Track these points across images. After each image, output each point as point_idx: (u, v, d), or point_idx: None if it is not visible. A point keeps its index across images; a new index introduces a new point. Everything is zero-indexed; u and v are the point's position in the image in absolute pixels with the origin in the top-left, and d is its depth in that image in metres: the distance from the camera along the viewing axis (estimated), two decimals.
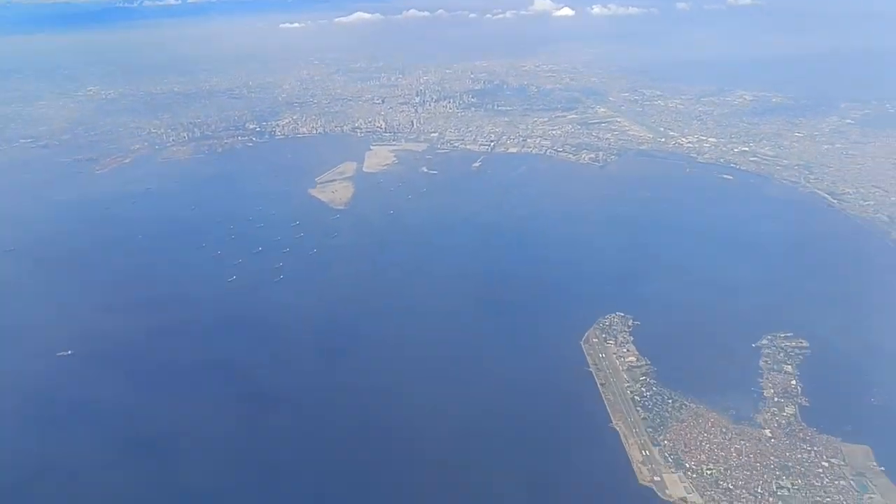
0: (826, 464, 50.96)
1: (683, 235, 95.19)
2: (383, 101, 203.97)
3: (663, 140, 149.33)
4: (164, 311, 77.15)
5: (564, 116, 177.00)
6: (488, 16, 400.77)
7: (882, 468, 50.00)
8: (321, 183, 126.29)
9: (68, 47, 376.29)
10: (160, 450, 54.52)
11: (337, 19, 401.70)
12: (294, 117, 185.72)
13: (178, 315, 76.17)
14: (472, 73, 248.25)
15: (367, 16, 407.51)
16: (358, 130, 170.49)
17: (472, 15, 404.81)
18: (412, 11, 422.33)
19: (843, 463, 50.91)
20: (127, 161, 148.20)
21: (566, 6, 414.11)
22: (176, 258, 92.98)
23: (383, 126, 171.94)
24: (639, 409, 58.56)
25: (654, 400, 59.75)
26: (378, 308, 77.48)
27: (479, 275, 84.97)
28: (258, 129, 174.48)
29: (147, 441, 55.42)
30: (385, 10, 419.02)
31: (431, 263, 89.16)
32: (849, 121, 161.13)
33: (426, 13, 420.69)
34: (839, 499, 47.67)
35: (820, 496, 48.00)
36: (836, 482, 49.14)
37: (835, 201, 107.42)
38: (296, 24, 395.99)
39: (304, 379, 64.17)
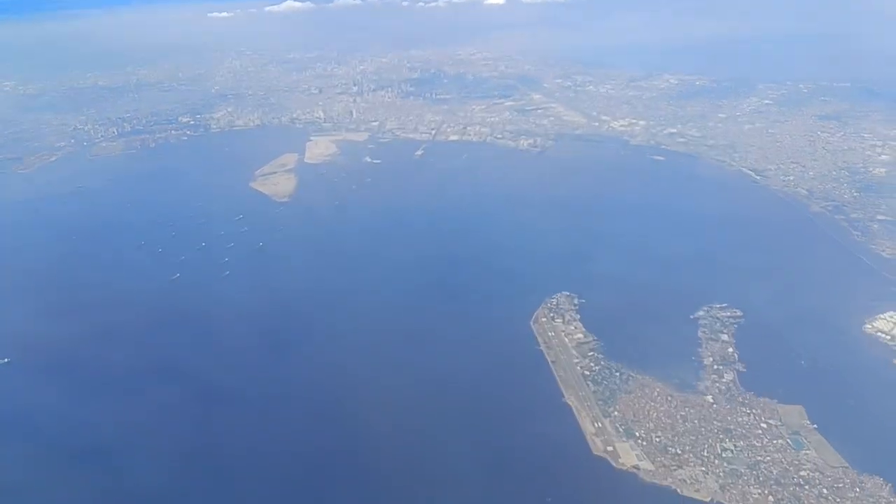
0: (764, 425, 55.21)
1: (621, 215, 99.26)
2: (320, 92, 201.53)
3: (597, 125, 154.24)
4: (105, 312, 74.86)
5: (502, 104, 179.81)
6: (420, 4, 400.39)
7: (814, 426, 54.65)
8: (262, 176, 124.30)
9: None
10: (104, 459, 53.11)
11: (267, 8, 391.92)
12: (229, 110, 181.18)
13: (120, 316, 74.07)
14: (408, 63, 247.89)
15: (298, 4, 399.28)
16: (297, 122, 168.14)
17: (404, 3, 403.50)
18: (344, 0, 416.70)
19: (779, 423, 55.29)
20: (53, 159, 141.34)
21: None
22: (114, 258, 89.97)
23: (322, 116, 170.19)
24: (589, 383, 61.43)
25: (603, 374, 62.78)
26: (327, 298, 77.75)
27: (428, 261, 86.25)
28: (192, 122, 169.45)
29: (90, 450, 54.08)
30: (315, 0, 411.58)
31: (379, 252, 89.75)
32: (767, 101, 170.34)
33: (358, 2, 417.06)
34: (778, 457, 51.87)
35: (760, 455, 52.08)
36: (775, 441, 53.40)
37: (758, 178, 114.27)
38: (224, 14, 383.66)
39: (254, 373, 63.92)
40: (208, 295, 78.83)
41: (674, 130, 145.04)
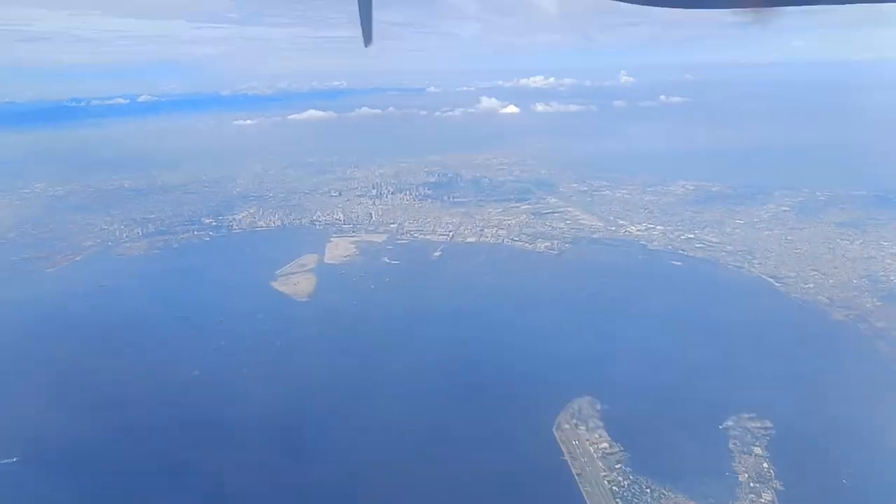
0: None
1: (642, 319, 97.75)
2: (340, 194, 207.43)
3: (614, 229, 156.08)
4: (121, 409, 73.21)
5: (518, 207, 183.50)
6: (438, 113, 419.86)
7: None
8: (283, 275, 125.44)
9: (14, 145, 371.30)
10: None
11: (290, 116, 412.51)
12: (251, 211, 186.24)
13: (137, 414, 72.34)
14: (425, 167, 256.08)
15: (319, 113, 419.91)
16: (317, 223, 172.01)
17: (422, 112, 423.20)
18: (364, 109, 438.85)
19: None
20: (78, 258, 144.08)
21: (511, 104, 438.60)
22: (134, 354, 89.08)
23: (342, 218, 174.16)
24: (618, 500, 57.92)
25: (633, 490, 59.18)
26: (344, 399, 75.87)
27: (446, 363, 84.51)
28: (214, 223, 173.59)
29: None
30: (338, 108, 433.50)
31: (397, 352, 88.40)
32: (784, 208, 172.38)
33: (378, 110, 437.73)
34: None
35: None
36: None
37: (778, 285, 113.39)
38: (248, 121, 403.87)
39: (270, 475, 61.31)
40: (226, 393, 77.28)
41: (691, 236, 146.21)
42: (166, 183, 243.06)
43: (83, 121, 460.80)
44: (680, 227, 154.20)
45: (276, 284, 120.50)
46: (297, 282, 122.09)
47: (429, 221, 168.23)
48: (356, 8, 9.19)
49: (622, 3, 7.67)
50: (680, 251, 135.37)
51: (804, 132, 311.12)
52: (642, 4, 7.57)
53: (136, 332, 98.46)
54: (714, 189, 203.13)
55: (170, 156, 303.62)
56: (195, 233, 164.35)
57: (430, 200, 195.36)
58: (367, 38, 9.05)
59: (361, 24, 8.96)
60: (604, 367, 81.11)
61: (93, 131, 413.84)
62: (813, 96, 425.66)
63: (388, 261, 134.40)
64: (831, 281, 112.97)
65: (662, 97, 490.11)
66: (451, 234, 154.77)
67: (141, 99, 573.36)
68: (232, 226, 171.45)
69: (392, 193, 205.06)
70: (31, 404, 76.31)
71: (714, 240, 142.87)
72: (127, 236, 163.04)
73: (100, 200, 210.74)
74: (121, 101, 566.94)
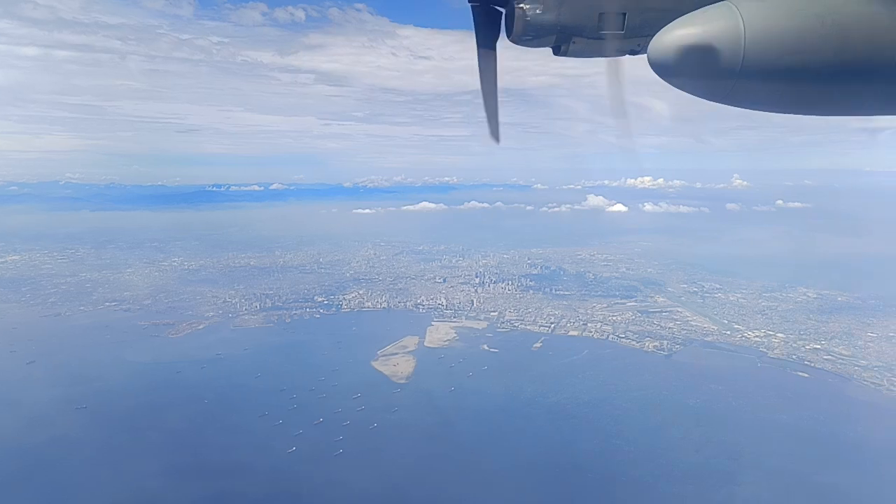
0: None
1: (764, 434, 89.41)
2: (444, 281, 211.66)
3: (728, 333, 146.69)
4: (221, 478, 75.66)
5: (624, 304, 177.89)
6: (544, 209, 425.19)
7: None
8: (383, 356, 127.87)
9: (160, 223, 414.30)
10: None
11: (405, 207, 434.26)
12: (360, 292, 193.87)
13: (234, 485, 74.43)
14: (528, 259, 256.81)
15: (431, 205, 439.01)
16: (420, 306, 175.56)
17: (528, 207, 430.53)
18: (473, 203, 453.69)
19: None
20: (201, 327, 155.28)
21: (619, 203, 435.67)
22: (238, 424, 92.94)
23: (445, 303, 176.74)
24: None
25: None
26: (437, 488, 73.99)
27: (546, 464, 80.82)
28: (326, 301, 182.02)
29: None
30: (448, 201, 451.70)
31: (495, 446, 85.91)
32: None
33: (486, 204, 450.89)
34: None
35: None
36: None
37: None
38: (367, 211, 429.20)
39: None
40: (320, 472, 78.08)
41: (818, 346, 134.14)
42: (287, 263, 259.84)
43: (221, 204, 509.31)
44: (804, 337, 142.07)
45: (376, 364, 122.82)
46: (396, 363, 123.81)
47: (530, 312, 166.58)
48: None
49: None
50: (806, 362, 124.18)
51: None
52: (764, 111, 7.48)
53: (243, 402, 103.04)
54: (840, 299, 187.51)
55: (293, 239, 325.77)
56: (307, 310, 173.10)
57: (531, 291, 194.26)
58: (495, 134, 9.37)
59: (488, 121, 9.32)
60: (725, 485, 74.22)
61: (229, 214, 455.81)
62: None
63: (487, 348, 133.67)
64: None
65: (780, 202, 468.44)
66: (552, 325, 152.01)
67: (273, 187, 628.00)
68: (341, 305, 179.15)
69: (494, 283, 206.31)
70: (138, 465, 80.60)
71: (845, 352, 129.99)
72: (246, 309, 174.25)
73: (227, 276, 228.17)
74: (256, 187, 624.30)
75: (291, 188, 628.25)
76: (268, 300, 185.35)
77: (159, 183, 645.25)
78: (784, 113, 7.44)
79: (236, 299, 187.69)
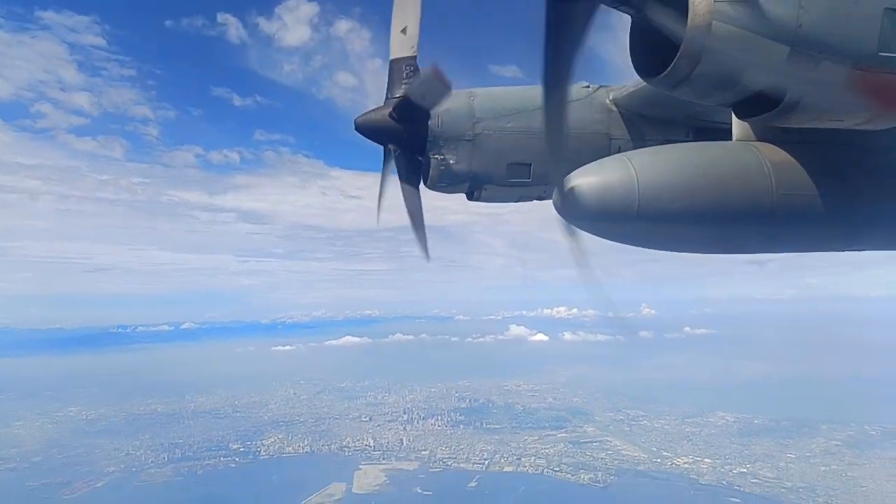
0: None
1: None
2: (371, 419, 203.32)
3: (658, 460, 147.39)
4: None
5: (555, 435, 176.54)
6: (469, 339, 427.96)
7: None
8: None
9: (55, 370, 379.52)
10: None
11: (327, 342, 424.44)
12: (280, 436, 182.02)
13: None
14: (456, 392, 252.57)
15: (355, 339, 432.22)
16: (346, 449, 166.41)
17: (453, 339, 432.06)
18: (398, 335, 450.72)
19: None
20: (100, 485, 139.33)
21: (540, 332, 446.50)
22: None
23: (372, 444, 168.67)
24: None
25: None
26: None
27: None
28: (242, 448, 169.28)
29: None
30: (372, 335, 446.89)
31: None
32: (835, 442, 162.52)
33: (411, 336, 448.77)
34: None
35: None
36: None
37: None
38: (287, 347, 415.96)
39: None
40: None
41: (744, 470, 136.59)
42: (199, 407, 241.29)
43: (127, 346, 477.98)
44: (730, 461, 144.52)
45: None
46: None
47: (462, 449, 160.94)
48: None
49: None
50: (735, 486, 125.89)
51: (835, 366, 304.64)
52: (656, 249, 8.36)
53: None
54: (756, 421, 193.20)
55: (206, 381, 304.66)
56: (221, 459, 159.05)
57: (462, 426, 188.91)
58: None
59: (418, 242, 9.93)
60: None
61: (134, 356, 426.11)
62: (835, 331, 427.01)
63: (420, 491, 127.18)
64: None
65: (687, 329, 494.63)
66: (486, 462, 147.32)
67: (184, 326, 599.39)
68: (259, 451, 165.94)
69: (423, 419, 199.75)
70: None
71: (769, 475, 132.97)
72: (152, 461, 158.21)
73: (131, 425, 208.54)
74: (165, 328, 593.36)
75: (204, 327, 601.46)
76: (177, 450, 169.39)
77: (58, 326, 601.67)
78: (676, 252, 8.32)
79: (141, 451, 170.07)
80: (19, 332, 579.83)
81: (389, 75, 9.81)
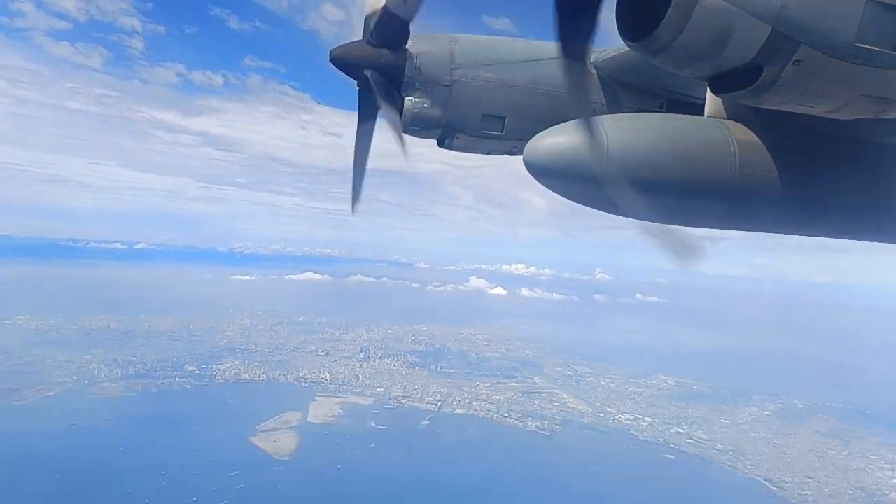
0: None
1: None
2: (327, 354, 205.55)
3: (602, 415, 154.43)
4: None
5: (506, 383, 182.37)
6: (429, 287, 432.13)
7: None
8: (263, 431, 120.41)
9: (3, 277, 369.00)
10: None
11: (287, 276, 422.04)
12: (236, 362, 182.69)
13: None
14: (413, 336, 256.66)
15: (316, 276, 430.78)
16: (302, 380, 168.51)
17: (414, 285, 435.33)
18: (359, 277, 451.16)
19: None
20: (51, 394, 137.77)
21: (499, 286, 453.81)
22: (99, 501, 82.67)
23: (328, 377, 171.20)
24: None
25: None
26: None
27: None
28: (197, 371, 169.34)
29: None
30: (333, 273, 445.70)
31: None
32: (766, 412, 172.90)
33: (372, 279, 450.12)
34: None
35: None
36: None
37: (774, 489, 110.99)
38: (246, 277, 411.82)
39: None
40: None
41: (681, 430, 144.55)
42: (153, 328, 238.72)
43: (77, 261, 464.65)
44: (668, 421, 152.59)
45: (255, 440, 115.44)
46: (277, 439, 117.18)
47: (416, 389, 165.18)
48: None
49: None
50: (671, 444, 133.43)
51: (772, 342, 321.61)
52: (620, 216, 8.36)
53: (103, 478, 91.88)
54: (695, 387, 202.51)
55: (160, 303, 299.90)
56: (176, 379, 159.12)
57: (417, 368, 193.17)
58: (356, 200, 9.91)
59: (353, 190, 9.86)
60: None
61: (85, 272, 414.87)
62: (778, 310, 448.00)
63: (374, 425, 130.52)
64: (827, 490, 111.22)
65: (639, 295, 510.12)
66: (439, 403, 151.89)
67: (138, 246, 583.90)
68: (215, 376, 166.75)
69: (380, 358, 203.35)
70: None
71: (704, 437, 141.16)
72: (105, 376, 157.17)
73: (83, 338, 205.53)
74: (118, 245, 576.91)
75: (159, 249, 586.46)
76: (131, 367, 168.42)
77: (4, 233, 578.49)
78: (636, 220, 8.26)
79: (93, 364, 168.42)
80: None
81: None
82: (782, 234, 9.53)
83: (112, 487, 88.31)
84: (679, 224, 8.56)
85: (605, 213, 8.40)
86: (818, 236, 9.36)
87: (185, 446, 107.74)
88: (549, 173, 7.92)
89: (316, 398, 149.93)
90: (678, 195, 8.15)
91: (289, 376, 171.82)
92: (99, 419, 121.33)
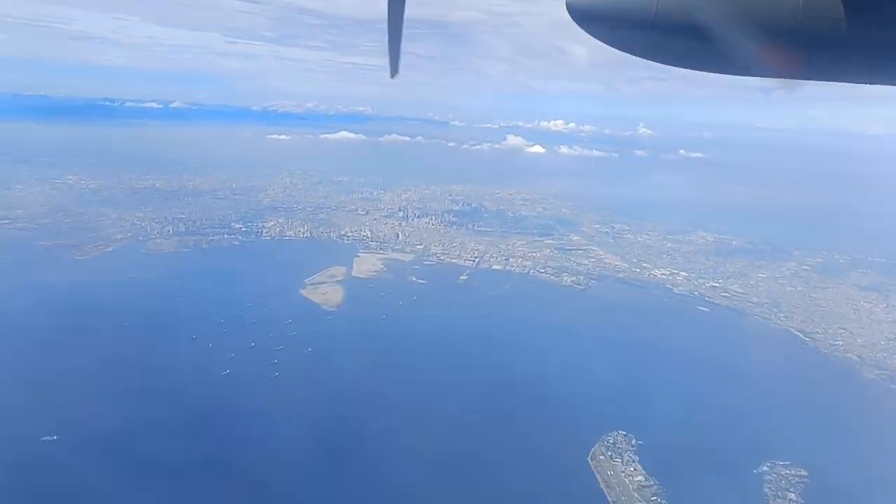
0: None
1: (673, 360, 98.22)
2: (367, 213, 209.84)
3: (638, 270, 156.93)
4: (155, 401, 73.85)
5: (542, 241, 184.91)
6: (465, 146, 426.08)
7: None
8: (312, 284, 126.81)
9: (47, 137, 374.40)
10: None
11: (323, 135, 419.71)
12: (280, 220, 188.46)
13: (169, 407, 72.95)
14: (450, 196, 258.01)
15: (351, 135, 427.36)
16: (345, 238, 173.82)
17: (450, 144, 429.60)
18: (394, 136, 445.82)
19: None
20: (109, 249, 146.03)
21: (537, 144, 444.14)
22: (165, 348, 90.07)
23: (369, 235, 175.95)
24: None
25: None
26: (377, 410, 76.24)
27: (475, 386, 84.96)
28: (244, 228, 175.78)
29: None
30: (368, 132, 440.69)
31: (426, 370, 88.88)
32: (805, 267, 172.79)
33: (407, 138, 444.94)
34: None
35: None
36: None
37: (807, 339, 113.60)
38: (283, 136, 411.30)
39: (303, 478, 61.61)
40: (257, 393, 77.97)
41: (716, 284, 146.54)
42: (197, 187, 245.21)
43: (115, 121, 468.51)
44: (703, 276, 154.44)
45: (304, 292, 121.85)
46: (325, 291, 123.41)
47: (454, 246, 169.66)
48: (387, 37, 9.54)
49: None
50: (706, 298, 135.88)
51: (819, 197, 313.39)
52: (671, 65, 7.89)
53: (167, 325, 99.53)
54: (734, 243, 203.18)
55: (201, 162, 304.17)
56: (225, 236, 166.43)
57: (455, 227, 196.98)
58: (394, 69, 9.42)
59: (389, 54, 9.33)
60: (636, 405, 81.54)
61: (125, 132, 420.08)
62: (827, 164, 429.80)
63: (415, 279, 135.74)
64: (860, 341, 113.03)
65: (682, 151, 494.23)
66: (476, 260, 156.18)
67: (173, 105, 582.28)
68: (262, 232, 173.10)
69: (418, 217, 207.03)
70: (64, 390, 76.95)
71: (739, 290, 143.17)
72: (158, 233, 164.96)
73: (132, 197, 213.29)
74: (154, 105, 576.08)
75: (194, 108, 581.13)
76: (181, 224, 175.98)
77: (43, 93, 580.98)
78: (687, 68, 7.88)
79: (145, 222, 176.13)
80: (1, 96, 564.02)
81: None
82: (846, 84, 8.87)
83: (176, 334, 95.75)
84: (734, 72, 8.04)
85: (651, 63, 7.98)
86: (885, 84, 8.65)
87: (239, 298, 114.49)
88: (593, 18, 7.34)
89: (359, 254, 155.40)
90: (734, 41, 7.50)
91: (331, 234, 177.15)
92: (155, 272, 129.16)
